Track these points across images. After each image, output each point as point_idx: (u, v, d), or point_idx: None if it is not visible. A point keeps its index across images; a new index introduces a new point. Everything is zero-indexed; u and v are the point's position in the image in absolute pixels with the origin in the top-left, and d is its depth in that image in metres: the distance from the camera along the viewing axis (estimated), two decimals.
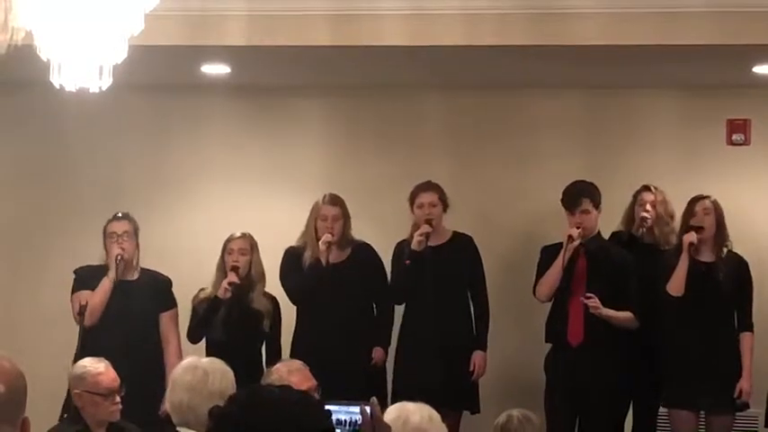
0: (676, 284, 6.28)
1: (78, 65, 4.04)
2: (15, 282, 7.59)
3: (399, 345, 6.63)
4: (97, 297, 6.21)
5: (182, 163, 7.64)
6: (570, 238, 6.34)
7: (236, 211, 7.36)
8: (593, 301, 6.29)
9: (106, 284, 6.24)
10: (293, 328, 6.63)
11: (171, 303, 6.47)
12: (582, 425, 6.41)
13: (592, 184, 6.52)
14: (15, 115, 7.60)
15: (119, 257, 6.26)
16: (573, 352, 6.39)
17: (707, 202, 6.39)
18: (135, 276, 6.39)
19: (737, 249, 6.47)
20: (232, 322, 6.36)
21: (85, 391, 4.88)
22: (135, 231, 6.39)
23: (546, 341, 6.58)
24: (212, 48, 6.44)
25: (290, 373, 4.98)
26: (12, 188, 7.66)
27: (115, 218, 6.40)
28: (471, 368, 6.53)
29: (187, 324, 6.53)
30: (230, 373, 4.25)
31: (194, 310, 6.51)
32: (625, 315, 6.36)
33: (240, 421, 2.33)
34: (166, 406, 4.20)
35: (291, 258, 6.58)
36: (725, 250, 6.39)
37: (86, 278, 6.33)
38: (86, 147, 7.58)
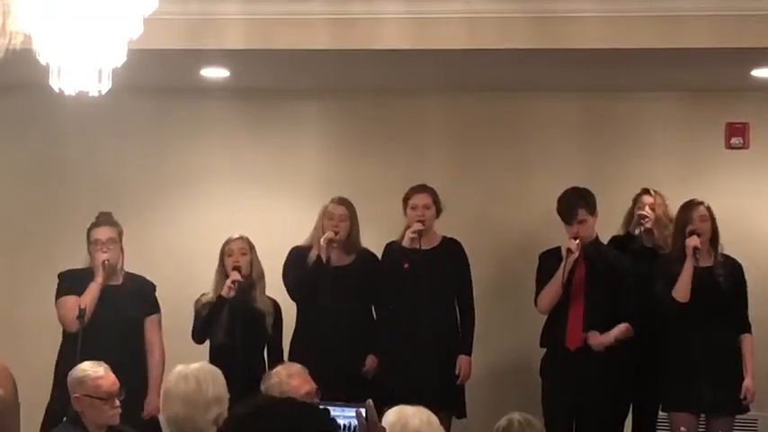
0: (682, 290, 6.27)
1: (77, 68, 4.03)
2: (15, 284, 7.58)
3: (387, 347, 6.62)
4: (85, 301, 6.17)
5: (181, 166, 7.64)
6: (569, 251, 6.34)
7: (235, 213, 7.37)
8: (595, 338, 6.32)
9: (94, 289, 6.20)
10: (293, 329, 6.65)
11: (155, 308, 6.43)
12: (581, 429, 6.41)
13: (585, 190, 6.49)
14: (15, 119, 7.61)
15: (105, 262, 6.23)
16: (571, 356, 6.39)
17: (702, 208, 6.38)
18: (119, 281, 6.36)
19: (737, 252, 6.47)
20: (235, 324, 6.36)
21: (85, 394, 4.87)
22: (119, 235, 6.35)
23: (541, 346, 6.57)
24: (211, 51, 6.44)
25: (289, 376, 4.98)
26: (12, 191, 7.66)
27: (98, 224, 6.35)
28: (457, 372, 6.54)
29: (184, 326, 6.52)
30: (221, 376, 4.24)
31: (197, 313, 6.52)
32: (623, 329, 6.36)
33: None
34: (161, 418, 4.18)
35: (295, 256, 6.63)
36: (719, 254, 6.40)
37: (71, 282, 6.30)
38: (86, 150, 7.59)
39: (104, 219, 6.37)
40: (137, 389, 5.98)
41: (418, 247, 6.47)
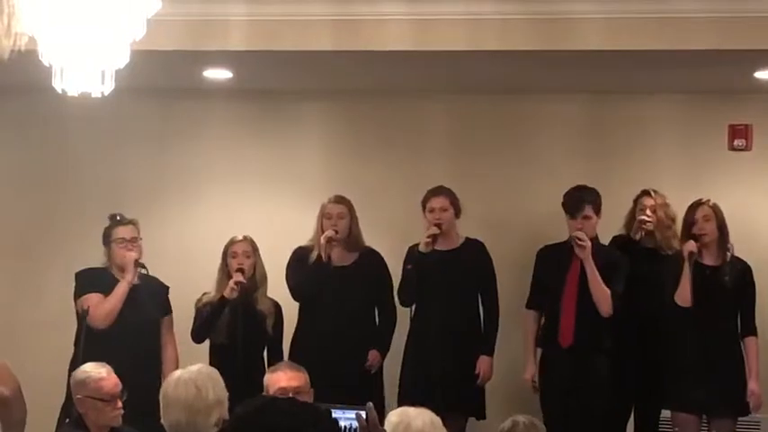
0: (683, 295, 6.26)
1: (81, 70, 4.03)
2: (17, 285, 7.58)
3: (407, 349, 6.64)
4: (115, 300, 6.20)
5: (184, 167, 7.65)
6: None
7: (238, 215, 7.37)
8: (581, 234, 6.34)
9: (124, 287, 6.22)
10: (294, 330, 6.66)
11: (169, 309, 6.49)
12: (577, 426, 6.39)
13: (593, 189, 6.53)
14: (18, 120, 7.61)
15: (138, 260, 6.27)
16: (564, 353, 6.40)
17: (706, 207, 6.37)
18: (136, 281, 6.39)
19: (739, 254, 6.46)
20: (237, 325, 6.37)
21: (87, 396, 4.88)
22: (140, 236, 6.38)
23: (537, 346, 6.60)
24: (214, 52, 6.45)
25: (272, 371, 5.03)
26: (14, 192, 7.67)
27: (120, 222, 6.39)
28: (477, 372, 6.54)
29: (187, 327, 6.53)
30: (219, 379, 4.23)
31: (198, 313, 6.53)
32: (605, 288, 6.34)
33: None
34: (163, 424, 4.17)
35: (298, 257, 6.66)
36: (728, 254, 6.38)
37: (90, 281, 6.31)
38: (89, 151, 7.60)
39: (123, 218, 6.39)
40: (155, 388, 6.00)
41: (432, 249, 6.47)
